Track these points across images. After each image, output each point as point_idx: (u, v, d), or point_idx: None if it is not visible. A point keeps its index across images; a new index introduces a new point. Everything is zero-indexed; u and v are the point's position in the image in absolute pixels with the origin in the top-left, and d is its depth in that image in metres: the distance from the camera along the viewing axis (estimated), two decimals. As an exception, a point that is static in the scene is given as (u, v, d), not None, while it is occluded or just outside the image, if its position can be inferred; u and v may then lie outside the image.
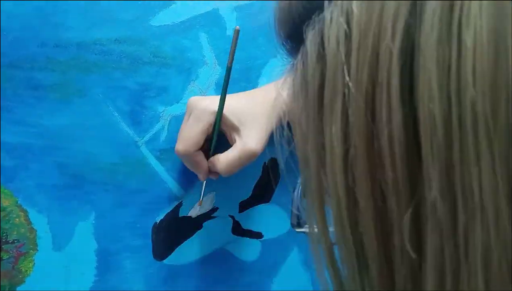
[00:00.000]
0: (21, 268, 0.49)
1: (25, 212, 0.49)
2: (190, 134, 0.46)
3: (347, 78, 0.18)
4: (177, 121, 0.53)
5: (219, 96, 0.47)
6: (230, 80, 0.54)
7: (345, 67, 0.19)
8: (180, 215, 0.54)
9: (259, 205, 0.56)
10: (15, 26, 0.48)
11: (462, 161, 0.17)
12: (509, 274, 0.17)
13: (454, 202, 0.17)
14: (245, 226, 0.56)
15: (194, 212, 0.54)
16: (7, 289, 0.48)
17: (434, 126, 0.17)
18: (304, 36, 0.21)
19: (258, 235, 0.56)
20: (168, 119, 0.53)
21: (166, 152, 0.53)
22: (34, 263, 0.49)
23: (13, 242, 0.49)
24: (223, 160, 0.47)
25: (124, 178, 0.52)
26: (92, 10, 0.50)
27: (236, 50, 0.54)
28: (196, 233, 0.54)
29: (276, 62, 0.55)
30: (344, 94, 0.19)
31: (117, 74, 0.51)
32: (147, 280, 0.53)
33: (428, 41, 0.17)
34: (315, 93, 0.21)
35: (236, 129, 0.47)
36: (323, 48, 0.20)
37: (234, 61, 0.54)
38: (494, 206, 0.17)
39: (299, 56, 0.22)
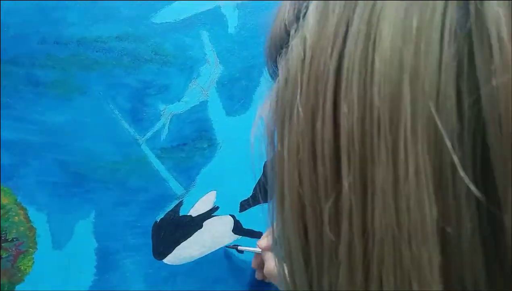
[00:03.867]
0: (20, 267, 0.49)
1: (25, 210, 0.49)
2: None
3: (298, 99, 0.22)
4: (178, 120, 0.52)
5: None
6: (231, 78, 0.54)
7: (298, 88, 0.22)
8: (181, 214, 0.54)
9: (259, 205, 0.56)
10: (15, 23, 0.48)
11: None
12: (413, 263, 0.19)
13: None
14: (246, 225, 0.56)
15: (194, 211, 0.54)
16: (6, 288, 0.48)
17: (352, 131, 0.20)
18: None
19: (259, 235, 0.56)
20: (169, 117, 0.52)
21: (167, 150, 0.52)
22: (34, 262, 0.49)
23: (12, 240, 0.48)
24: None
25: (125, 176, 0.51)
26: (93, 7, 0.50)
27: (238, 49, 0.54)
28: (197, 232, 0.54)
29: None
30: (294, 114, 0.22)
31: (118, 71, 0.51)
32: (147, 280, 0.52)
33: (352, 57, 0.20)
34: (277, 113, 0.24)
35: None
36: (288, 72, 0.23)
37: (236, 60, 0.54)
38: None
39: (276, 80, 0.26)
